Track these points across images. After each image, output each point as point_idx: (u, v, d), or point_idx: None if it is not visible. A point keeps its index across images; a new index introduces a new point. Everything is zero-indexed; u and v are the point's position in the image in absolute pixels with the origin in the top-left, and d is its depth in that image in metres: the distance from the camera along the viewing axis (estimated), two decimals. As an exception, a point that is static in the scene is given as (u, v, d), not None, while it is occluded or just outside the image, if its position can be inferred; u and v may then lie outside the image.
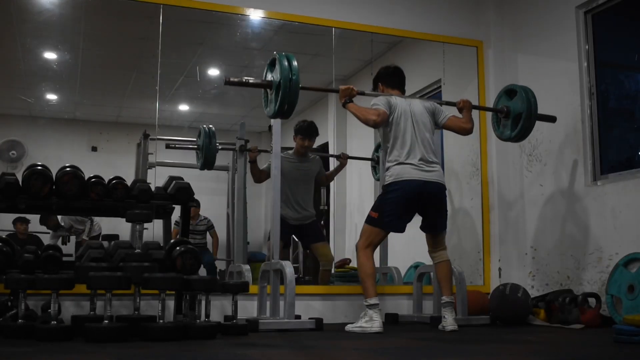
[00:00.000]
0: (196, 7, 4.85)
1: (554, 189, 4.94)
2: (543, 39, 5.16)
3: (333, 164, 5.75)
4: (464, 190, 5.61)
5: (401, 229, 4.07)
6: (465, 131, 4.20)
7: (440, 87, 5.81)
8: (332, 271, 5.92)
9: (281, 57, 3.61)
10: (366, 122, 4.00)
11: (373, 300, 3.85)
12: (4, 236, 3.71)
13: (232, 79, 3.72)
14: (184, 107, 6.91)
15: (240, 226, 4.89)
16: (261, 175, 5.10)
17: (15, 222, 5.90)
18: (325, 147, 6.50)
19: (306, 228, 5.16)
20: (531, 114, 4.27)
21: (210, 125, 4.94)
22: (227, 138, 5.42)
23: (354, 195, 6.63)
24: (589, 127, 4.72)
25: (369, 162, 5.71)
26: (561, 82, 4.92)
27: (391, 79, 4.26)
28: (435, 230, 4.13)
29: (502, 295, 4.49)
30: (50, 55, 6.01)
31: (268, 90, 3.71)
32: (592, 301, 4.27)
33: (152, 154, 5.11)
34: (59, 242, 5.97)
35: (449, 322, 3.91)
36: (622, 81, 5.12)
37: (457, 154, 5.65)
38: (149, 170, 5.16)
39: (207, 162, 4.92)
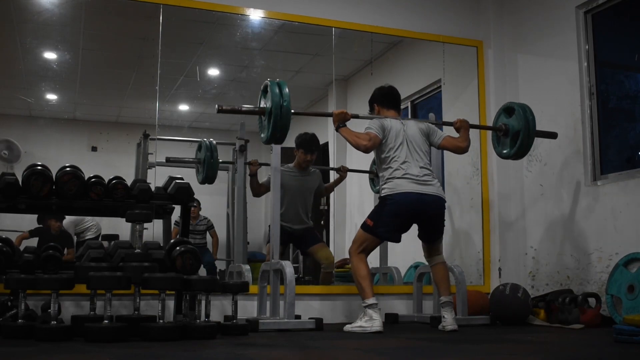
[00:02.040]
0: (196, 7, 4.85)
1: (554, 189, 4.94)
2: (543, 38, 5.16)
3: (333, 176, 5.73)
4: (464, 190, 5.61)
5: (397, 239, 4.07)
6: (461, 150, 4.18)
7: (440, 87, 5.81)
8: (333, 272, 5.91)
9: (272, 84, 3.67)
10: (357, 147, 3.98)
11: (371, 300, 3.85)
12: (4, 236, 3.70)
13: (224, 107, 3.75)
14: (184, 107, 6.91)
15: (240, 226, 4.89)
16: (260, 189, 5.08)
17: (47, 218, 5.90)
18: (325, 147, 6.49)
19: (303, 233, 5.14)
20: (529, 132, 4.30)
21: (211, 139, 4.90)
22: (227, 138, 5.42)
23: (354, 195, 6.63)
24: (589, 127, 4.73)
25: (371, 157, 5.68)
26: (561, 82, 4.92)
27: (386, 100, 4.24)
28: (431, 240, 4.13)
29: (502, 295, 4.49)
30: (50, 55, 6.01)
31: (262, 116, 3.77)
32: (592, 301, 4.27)
33: (152, 154, 5.10)
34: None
35: (448, 321, 3.90)
36: (622, 81, 5.12)
37: (457, 154, 5.64)
38: (149, 170, 5.16)
39: (208, 177, 4.86)
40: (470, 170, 5.53)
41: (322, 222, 6.23)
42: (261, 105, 3.78)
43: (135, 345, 2.97)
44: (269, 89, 3.68)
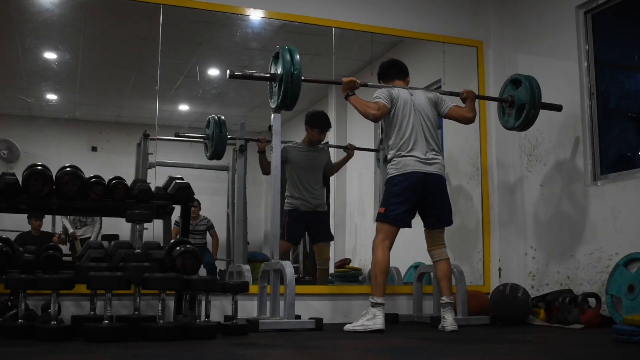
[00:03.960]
0: (196, 7, 4.85)
1: (554, 189, 4.94)
2: (543, 39, 5.16)
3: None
4: (464, 190, 5.61)
5: (407, 224, 4.04)
6: (467, 120, 4.23)
7: (440, 87, 5.81)
8: (332, 271, 5.91)
9: (284, 50, 3.77)
10: (366, 116, 4.03)
11: (379, 299, 3.85)
12: (4, 236, 3.70)
13: (236, 73, 3.84)
14: (184, 107, 6.91)
15: (240, 226, 4.89)
16: (270, 167, 5.04)
17: (29, 217, 5.89)
18: (325, 145, 6.49)
19: (318, 222, 5.08)
20: (535, 104, 4.38)
21: (220, 115, 4.88)
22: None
23: (354, 195, 6.64)
24: (589, 127, 4.73)
25: (371, 158, 5.68)
26: (561, 82, 4.92)
27: (390, 72, 4.29)
28: (441, 224, 4.12)
29: (502, 295, 4.49)
30: (50, 55, 6.01)
31: (272, 82, 3.86)
32: (592, 301, 4.27)
33: (152, 154, 5.11)
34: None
35: (449, 322, 3.90)
36: (622, 81, 5.12)
37: (457, 154, 5.65)
38: (149, 170, 5.16)
39: (216, 152, 4.85)
40: (470, 170, 5.53)
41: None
42: (272, 72, 3.85)
43: (135, 345, 2.97)
44: (280, 56, 3.74)
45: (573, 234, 4.73)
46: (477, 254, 5.35)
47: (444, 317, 3.94)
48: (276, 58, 3.84)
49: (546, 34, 5.12)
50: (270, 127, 4.29)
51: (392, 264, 5.15)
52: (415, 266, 5.24)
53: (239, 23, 5.35)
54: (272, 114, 4.09)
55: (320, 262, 5.12)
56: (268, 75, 3.84)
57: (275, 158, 4.16)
